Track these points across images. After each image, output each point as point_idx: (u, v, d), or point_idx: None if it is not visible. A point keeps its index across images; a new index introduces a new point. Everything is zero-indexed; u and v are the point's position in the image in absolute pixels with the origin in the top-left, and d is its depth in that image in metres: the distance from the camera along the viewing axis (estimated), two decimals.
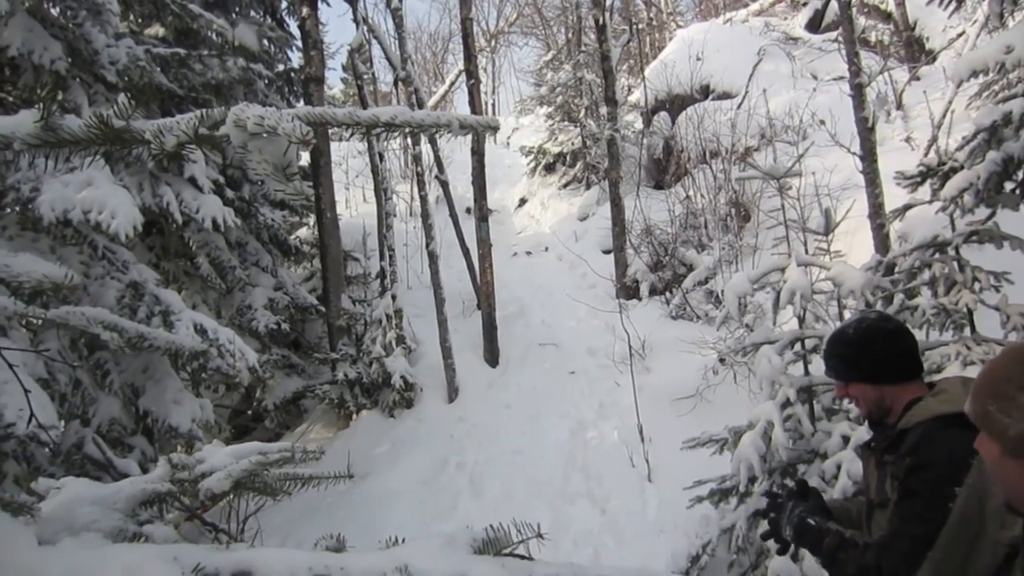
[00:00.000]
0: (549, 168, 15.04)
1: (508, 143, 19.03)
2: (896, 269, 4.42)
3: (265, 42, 8.48)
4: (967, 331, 3.72)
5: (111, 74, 5.48)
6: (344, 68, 15.16)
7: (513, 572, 0.84)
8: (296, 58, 8.99)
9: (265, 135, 0.96)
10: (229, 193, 7.23)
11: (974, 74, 4.27)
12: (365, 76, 10.15)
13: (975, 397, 1.23)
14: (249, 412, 8.30)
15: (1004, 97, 4.03)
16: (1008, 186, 4.18)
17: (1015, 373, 1.15)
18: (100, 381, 5.21)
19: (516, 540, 0.92)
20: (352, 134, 1.16)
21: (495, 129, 1.05)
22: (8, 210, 4.86)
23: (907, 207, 4.64)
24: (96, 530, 1.07)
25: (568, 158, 14.45)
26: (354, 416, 7.87)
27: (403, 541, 1.03)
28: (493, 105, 25.23)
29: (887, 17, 12.66)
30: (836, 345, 1.98)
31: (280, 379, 8.25)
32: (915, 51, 11.53)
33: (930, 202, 4.45)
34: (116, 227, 4.40)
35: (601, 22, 10.03)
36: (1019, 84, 4.04)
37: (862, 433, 3.39)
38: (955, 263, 3.99)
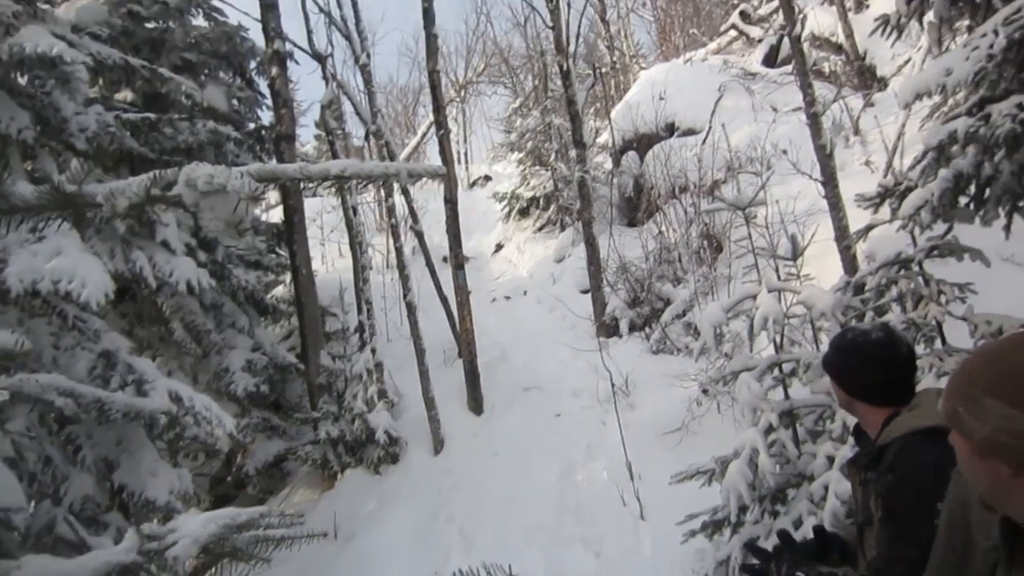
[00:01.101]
0: (523, 212, 15.19)
1: (481, 183, 19.41)
2: (865, 288, 4.49)
3: (234, 102, 8.57)
4: (938, 343, 3.77)
5: (80, 141, 5.49)
6: (316, 125, 15.32)
7: None
8: (267, 116, 9.08)
9: (215, 193, 0.96)
10: (202, 255, 7.19)
11: (918, 96, 4.40)
12: (337, 132, 10.26)
13: (947, 396, 1.26)
14: (229, 479, 8.11)
15: (949, 117, 4.16)
16: (962, 200, 4.31)
17: (982, 376, 1.17)
18: (72, 457, 5.05)
19: None
20: (316, 187, 1.17)
21: (441, 176, 1.07)
22: None
23: (869, 227, 4.76)
24: None
25: (541, 201, 14.62)
26: (339, 475, 7.72)
27: None
28: (465, 154, 25.52)
29: (838, 48, 13.13)
30: (833, 340, 2.06)
31: (261, 442, 8.09)
32: (867, 79, 11.95)
33: (890, 221, 4.56)
34: (87, 296, 4.34)
35: (566, 68, 10.27)
36: (960, 105, 4.19)
37: (846, 452, 3.39)
38: (920, 278, 4.07)
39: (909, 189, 4.31)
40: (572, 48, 11.12)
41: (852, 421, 3.45)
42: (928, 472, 1.62)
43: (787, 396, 3.88)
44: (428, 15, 8.78)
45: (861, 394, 1.92)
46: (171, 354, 7.19)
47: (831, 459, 3.42)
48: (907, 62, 10.62)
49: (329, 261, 14.16)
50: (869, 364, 1.90)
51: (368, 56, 9.77)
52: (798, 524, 3.42)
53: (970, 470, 1.24)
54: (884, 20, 4.61)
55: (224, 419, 5.20)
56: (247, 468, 7.79)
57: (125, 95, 7.43)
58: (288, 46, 8.69)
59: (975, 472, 1.22)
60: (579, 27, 12.15)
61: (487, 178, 19.99)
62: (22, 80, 5.30)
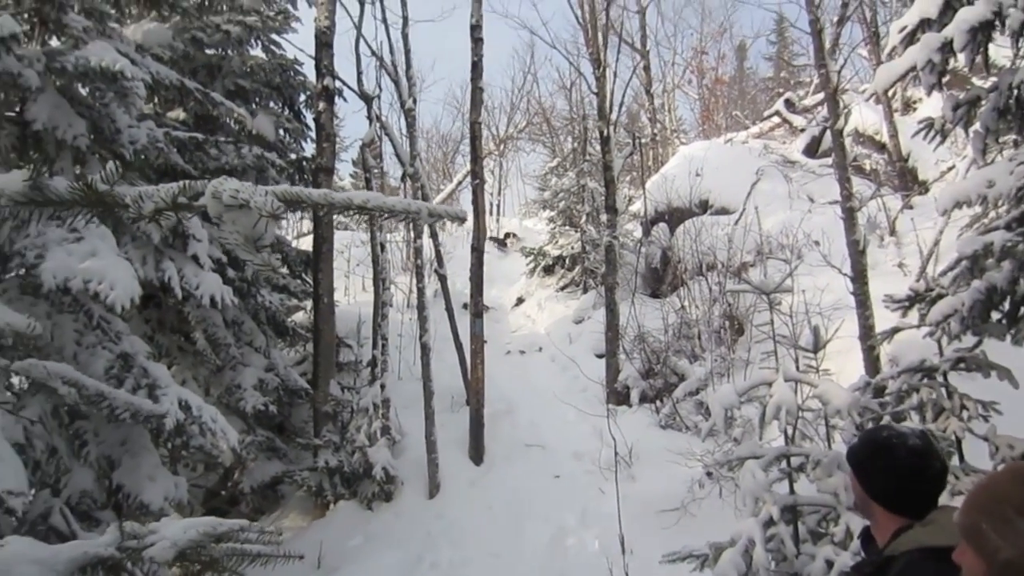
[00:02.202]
0: (548, 270, 15.27)
1: (512, 241, 19.43)
2: (885, 391, 4.42)
3: (281, 132, 8.85)
4: (955, 460, 3.68)
5: (129, 152, 5.69)
6: (354, 163, 15.68)
7: None
8: (310, 148, 9.33)
9: (239, 208, 1.02)
10: (231, 273, 7.33)
11: (957, 205, 4.40)
12: (374, 170, 10.51)
13: (968, 510, 1.21)
14: (224, 493, 8.07)
15: (987, 228, 4.15)
16: (995, 316, 4.25)
17: (1015, 495, 1.13)
18: (77, 451, 5.11)
19: None
20: (338, 214, 1.22)
21: (462, 220, 1.12)
22: (12, 274, 4.93)
23: (895, 330, 4.70)
24: None
25: (567, 261, 14.71)
26: (331, 505, 7.65)
27: None
28: (498, 206, 25.91)
29: (881, 147, 13.20)
30: (865, 434, 1.99)
31: (261, 462, 8.08)
32: (908, 181, 11.96)
33: (918, 327, 4.51)
34: (114, 299, 4.45)
35: (605, 134, 10.46)
36: (1000, 218, 4.17)
37: (847, 560, 3.31)
38: (943, 389, 4.00)
39: (940, 296, 4.26)
40: (614, 116, 11.36)
41: (857, 527, 3.38)
42: None
43: (792, 491, 3.81)
44: (476, 68, 9.05)
45: (880, 497, 1.85)
46: (187, 364, 7.27)
47: (830, 564, 3.33)
48: (950, 169, 10.65)
49: (351, 294, 14.30)
50: (899, 470, 1.83)
51: (414, 101, 10.05)
52: None
53: None
54: (928, 124, 4.60)
55: (229, 432, 5.23)
56: (243, 485, 7.76)
57: (178, 114, 7.71)
58: (337, 84, 8.99)
59: None
60: (623, 97, 12.42)
61: (513, 236, 20.02)
62: (83, 90, 5.54)
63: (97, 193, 1.08)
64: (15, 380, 4.52)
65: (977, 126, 4.34)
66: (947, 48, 3.95)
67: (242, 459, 7.52)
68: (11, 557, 1.14)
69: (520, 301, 15.40)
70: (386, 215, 1.08)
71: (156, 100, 7.20)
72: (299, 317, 10.61)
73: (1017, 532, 1.09)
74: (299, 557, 1.65)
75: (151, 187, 1.11)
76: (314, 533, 7.06)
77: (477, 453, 8.53)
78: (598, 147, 12.01)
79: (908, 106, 13.80)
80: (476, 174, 9.27)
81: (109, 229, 5.01)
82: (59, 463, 4.83)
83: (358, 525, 7.20)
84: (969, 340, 4.31)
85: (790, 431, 3.94)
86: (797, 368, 4.38)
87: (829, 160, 12.32)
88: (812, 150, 14.71)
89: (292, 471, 7.89)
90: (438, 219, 1.08)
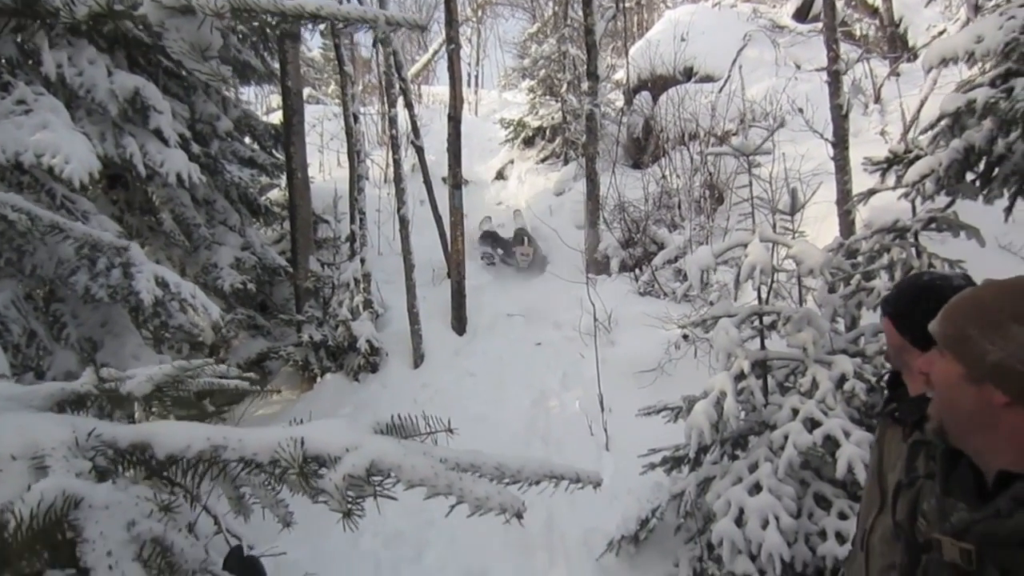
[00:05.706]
0: (528, 142, 14.96)
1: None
2: (858, 253, 4.50)
3: None
4: None
5: (68, 16, 5.31)
6: (322, 34, 14.87)
7: (409, 448, 0.87)
8: None
9: (182, 12, 0.95)
10: (196, 148, 7.08)
11: (944, 62, 4.29)
12: (343, 37, 9.97)
13: (950, 318, 1.24)
14: None
15: (970, 86, 4.08)
16: (969, 176, 4.26)
17: (1007, 304, 1.15)
18: (56, 334, 5.11)
19: (424, 431, 0.96)
20: (291, 25, 1.14)
21: (421, 28, 1.06)
22: None
23: (871, 192, 4.73)
24: None
25: (547, 132, 14.39)
26: (318, 379, 7.84)
27: None
28: (477, 77, 24.99)
29: (874, 12, 12.71)
30: (902, 282, 1.91)
31: (245, 340, 8.16)
32: (898, 47, 11.61)
33: (894, 188, 4.53)
34: (70, 172, 4.25)
35: None
36: (984, 74, 4.09)
37: (811, 408, 3.46)
38: (913, 249, 4.07)
39: (918, 157, 4.26)
40: None
41: (823, 379, 3.51)
42: None
43: (763, 347, 3.93)
44: None
45: (921, 341, 1.70)
46: (160, 244, 7.17)
47: (795, 411, 3.49)
48: (941, 33, 10.33)
49: (327, 169, 14.01)
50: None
51: None
52: (753, 468, 3.52)
53: (949, 394, 1.23)
54: None
55: (210, 307, 5.19)
56: (229, 364, 7.86)
57: None
58: None
59: (958, 397, 1.20)
60: None
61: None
62: None
63: None
64: None
65: None
66: None
67: (225, 336, 7.59)
68: None
69: (500, 175, 15.19)
70: (341, 23, 1.01)
71: None
72: (274, 195, 10.44)
73: (1009, 336, 1.11)
74: (276, 391, 1.70)
75: None
76: (304, 404, 7.26)
77: (460, 324, 8.67)
78: (580, 11, 11.44)
79: None
80: (452, 39, 8.84)
81: (61, 102, 4.77)
82: (39, 346, 4.83)
83: (346, 396, 7.40)
84: (942, 202, 4.35)
85: (764, 291, 4.01)
86: (774, 230, 4.41)
87: (819, 25, 11.86)
88: (803, 14, 14.13)
89: (277, 347, 7.99)
90: (396, 27, 1.02)
